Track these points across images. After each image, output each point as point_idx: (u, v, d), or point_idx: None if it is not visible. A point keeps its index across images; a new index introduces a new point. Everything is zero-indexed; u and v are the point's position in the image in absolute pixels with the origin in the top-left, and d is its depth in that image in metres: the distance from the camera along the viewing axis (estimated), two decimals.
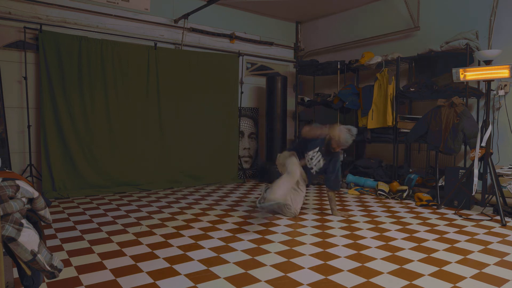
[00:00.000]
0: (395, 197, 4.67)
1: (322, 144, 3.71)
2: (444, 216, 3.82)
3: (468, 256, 2.62)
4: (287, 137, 6.47)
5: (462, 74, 3.75)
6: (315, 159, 3.75)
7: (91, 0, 5.01)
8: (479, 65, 4.32)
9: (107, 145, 4.98)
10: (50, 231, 3.12)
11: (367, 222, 3.54)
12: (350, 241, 2.94)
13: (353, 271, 2.34)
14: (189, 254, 2.63)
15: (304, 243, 2.88)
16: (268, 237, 3.05)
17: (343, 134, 3.55)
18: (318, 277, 2.25)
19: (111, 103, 5.00)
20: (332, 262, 2.48)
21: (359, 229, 3.30)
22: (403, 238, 3.03)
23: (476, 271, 2.35)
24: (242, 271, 2.33)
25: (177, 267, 2.38)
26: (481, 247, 2.81)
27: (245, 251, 2.70)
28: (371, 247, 2.79)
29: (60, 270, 1.56)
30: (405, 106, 5.38)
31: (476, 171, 3.73)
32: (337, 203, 4.43)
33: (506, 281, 2.20)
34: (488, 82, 3.75)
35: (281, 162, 3.85)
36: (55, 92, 4.63)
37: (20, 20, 4.56)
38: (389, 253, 2.66)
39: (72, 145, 4.74)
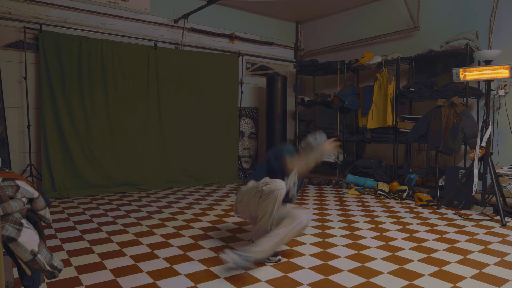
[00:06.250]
0: (395, 197, 4.67)
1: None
2: (444, 216, 3.82)
3: (468, 256, 2.62)
4: (287, 137, 6.47)
5: (462, 74, 3.75)
6: (293, 182, 2.72)
7: (91, 0, 5.01)
8: (479, 65, 4.32)
9: (107, 145, 4.98)
10: (50, 231, 3.12)
11: (367, 222, 3.54)
12: (350, 241, 2.94)
13: (353, 271, 2.34)
14: (189, 254, 2.63)
15: (304, 243, 2.88)
16: None
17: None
18: (318, 277, 2.25)
19: (111, 103, 5.00)
20: (332, 262, 2.48)
21: (359, 229, 3.30)
22: (403, 238, 3.03)
23: (476, 271, 2.35)
24: (242, 271, 2.33)
25: (177, 267, 2.38)
26: (481, 247, 2.81)
27: None
28: (371, 247, 2.79)
29: (60, 270, 1.56)
30: (405, 106, 5.38)
31: (476, 171, 3.73)
32: (337, 203, 4.44)
33: (506, 281, 2.20)
34: (488, 82, 3.75)
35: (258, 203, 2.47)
36: (55, 92, 4.63)
37: (20, 20, 4.56)
38: (389, 253, 2.66)
39: (72, 145, 4.74)
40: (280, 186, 2.39)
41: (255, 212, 2.51)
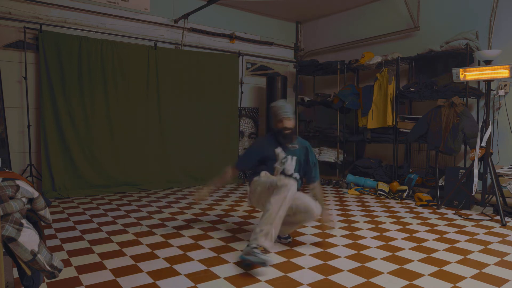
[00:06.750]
0: (395, 197, 4.67)
1: (277, 142, 2.86)
2: (444, 216, 3.82)
3: (468, 256, 2.62)
4: None
5: (462, 74, 3.75)
6: (287, 160, 2.87)
7: (91, 0, 5.01)
8: (479, 65, 4.32)
9: (107, 145, 4.98)
10: (50, 231, 3.12)
11: (367, 222, 3.54)
12: (350, 241, 2.94)
13: (353, 271, 2.34)
14: (189, 254, 2.63)
15: (304, 243, 2.88)
16: None
17: (274, 109, 2.86)
18: (318, 277, 2.25)
19: (111, 103, 5.00)
20: (332, 262, 2.48)
21: (359, 229, 3.30)
22: (403, 238, 3.03)
23: (476, 271, 2.35)
24: (242, 271, 2.33)
25: (177, 267, 2.38)
26: (481, 247, 2.81)
27: None
28: (371, 247, 2.79)
29: (60, 270, 1.56)
30: (405, 106, 5.38)
31: (476, 171, 3.73)
32: (337, 203, 4.43)
33: (506, 281, 2.20)
34: (488, 82, 3.75)
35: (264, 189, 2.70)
36: (55, 92, 4.63)
37: (20, 20, 4.56)
38: (389, 253, 2.66)
39: (72, 145, 4.74)
40: (292, 183, 2.54)
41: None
